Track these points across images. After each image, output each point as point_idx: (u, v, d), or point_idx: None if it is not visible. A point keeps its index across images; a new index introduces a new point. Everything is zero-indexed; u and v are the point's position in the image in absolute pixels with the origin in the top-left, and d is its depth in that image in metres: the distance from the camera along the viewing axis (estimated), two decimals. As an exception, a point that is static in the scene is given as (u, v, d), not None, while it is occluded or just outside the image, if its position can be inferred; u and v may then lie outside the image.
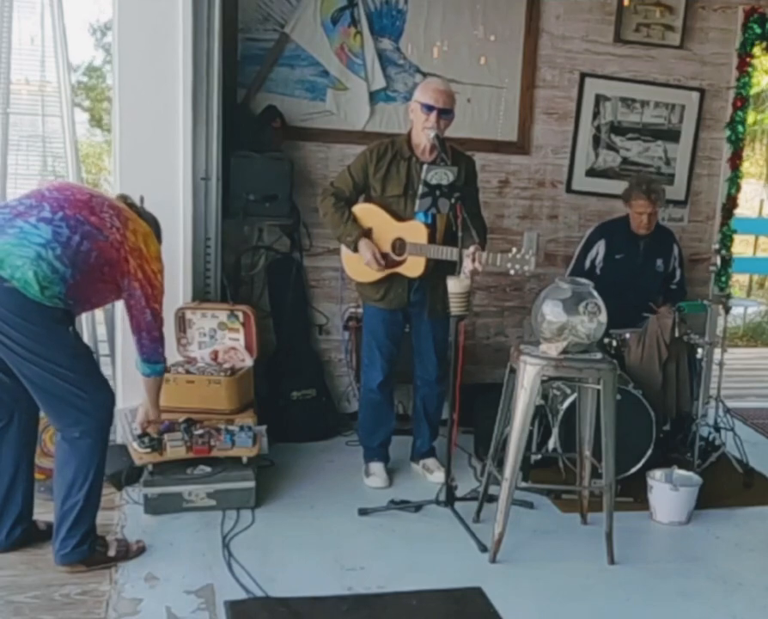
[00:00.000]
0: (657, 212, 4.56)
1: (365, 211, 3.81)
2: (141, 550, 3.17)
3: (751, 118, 9.00)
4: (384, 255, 3.75)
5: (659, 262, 4.61)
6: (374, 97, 4.66)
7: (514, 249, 3.54)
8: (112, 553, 3.08)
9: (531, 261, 3.52)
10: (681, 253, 4.74)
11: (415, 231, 3.73)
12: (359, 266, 3.82)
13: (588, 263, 4.61)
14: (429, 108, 3.65)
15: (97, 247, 2.90)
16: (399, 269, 3.78)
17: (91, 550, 3.02)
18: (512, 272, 3.56)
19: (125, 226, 2.99)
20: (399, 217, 3.77)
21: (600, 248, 4.61)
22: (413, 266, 3.76)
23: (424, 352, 3.97)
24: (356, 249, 3.75)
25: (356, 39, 4.60)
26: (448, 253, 3.60)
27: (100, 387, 3.02)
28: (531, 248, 3.57)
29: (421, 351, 3.99)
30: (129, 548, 3.14)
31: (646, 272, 4.56)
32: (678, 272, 4.69)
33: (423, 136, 3.69)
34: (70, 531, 2.98)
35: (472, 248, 3.51)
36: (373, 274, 3.81)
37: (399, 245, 3.75)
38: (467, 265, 3.52)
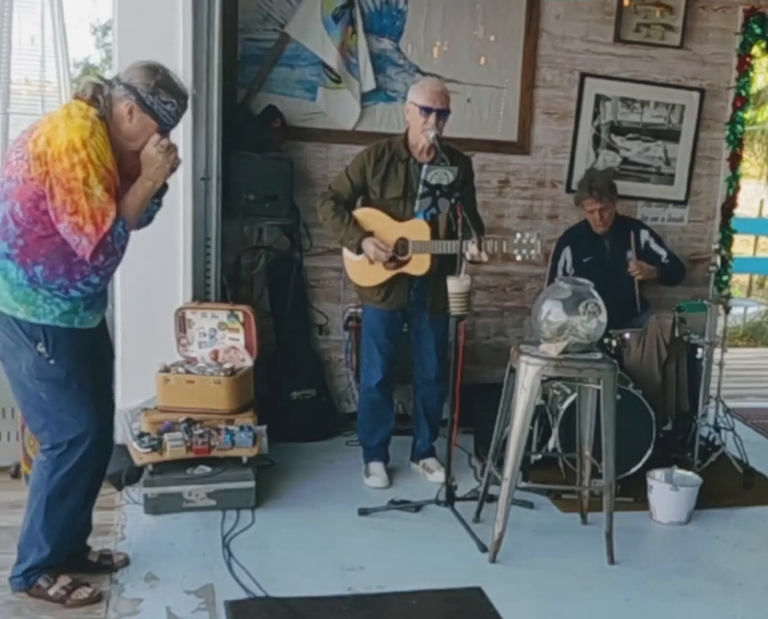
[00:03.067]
0: (610, 207, 4.52)
1: (365, 216, 3.80)
2: (89, 601, 2.85)
3: (761, 116, 8.99)
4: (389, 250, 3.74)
5: (629, 254, 4.55)
6: (365, 98, 4.66)
7: (518, 235, 3.58)
8: (51, 592, 2.83)
9: (537, 245, 3.57)
10: (653, 232, 4.68)
11: (418, 229, 3.73)
12: (364, 270, 3.81)
13: (559, 272, 4.61)
14: (428, 110, 3.65)
15: (14, 196, 2.60)
16: (405, 268, 3.77)
17: (27, 583, 2.84)
18: (519, 257, 3.59)
19: (28, 143, 2.59)
20: (400, 218, 3.77)
21: (567, 256, 4.61)
22: (418, 265, 3.75)
23: (424, 352, 3.97)
24: (359, 252, 3.75)
25: (353, 38, 4.60)
26: (452, 246, 3.59)
27: (69, 418, 2.75)
28: (535, 233, 3.59)
29: (421, 350, 3.98)
30: (69, 594, 2.84)
31: (617, 268, 4.51)
32: (662, 251, 4.63)
33: (423, 137, 3.69)
34: (18, 561, 2.86)
35: (475, 238, 3.53)
36: (378, 277, 3.79)
37: (402, 245, 3.75)
38: (472, 249, 3.53)
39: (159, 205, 2.93)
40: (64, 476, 2.80)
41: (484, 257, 3.56)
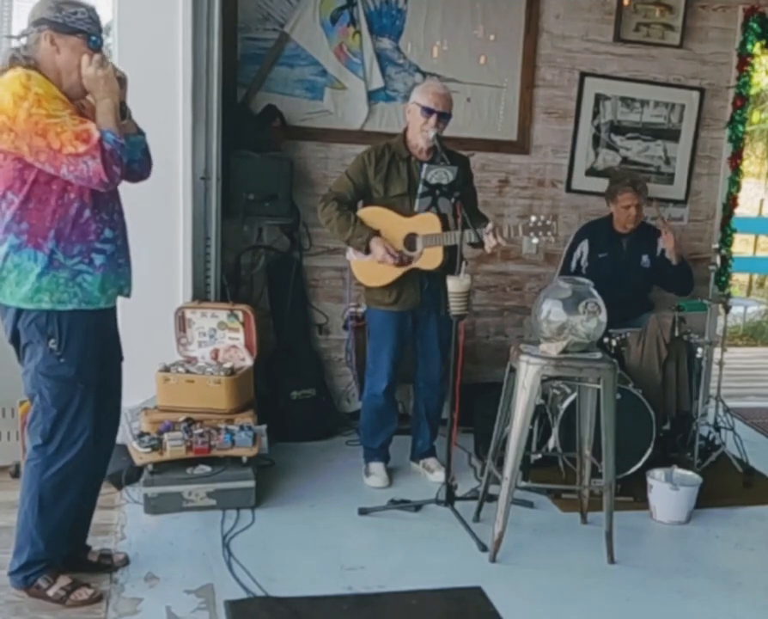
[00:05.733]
0: (642, 206, 4.55)
1: (371, 214, 3.76)
2: (89, 601, 2.84)
3: (755, 116, 9.00)
4: (398, 254, 3.71)
5: (644, 258, 4.59)
6: (372, 96, 4.66)
7: (533, 217, 3.57)
8: (50, 593, 2.81)
9: (554, 226, 3.56)
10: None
11: (427, 223, 3.69)
12: (372, 270, 3.76)
13: (573, 264, 4.65)
14: (429, 111, 3.65)
15: None
16: (417, 264, 3.74)
17: (26, 582, 2.82)
18: (535, 241, 3.59)
19: None
20: (407, 214, 3.74)
21: (583, 248, 4.63)
22: (431, 259, 3.71)
23: (429, 353, 3.94)
24: (367, 251, 3.71)
25: (355, 38, 4.60)
26: (465, 235, 3.55)
27: (68, 417, 2.75)
28: (549, 216, 3.61)
29: (426, 352, 3.95)
30: (69, 594, 2.83)
31: (631, 269, 4.55)
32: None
33: (421, 137, 3.69)
34: (14, 553, 2.85)
35: (490, 225, 3.56)
36: (389, 276, 3.75)
37: (411, 240, 3.73)
38: (490, 241, 3.55)
39: (141, 132, 2.87)
40: (55, 476, 2.77)
41: (503, 242, 3.58)
